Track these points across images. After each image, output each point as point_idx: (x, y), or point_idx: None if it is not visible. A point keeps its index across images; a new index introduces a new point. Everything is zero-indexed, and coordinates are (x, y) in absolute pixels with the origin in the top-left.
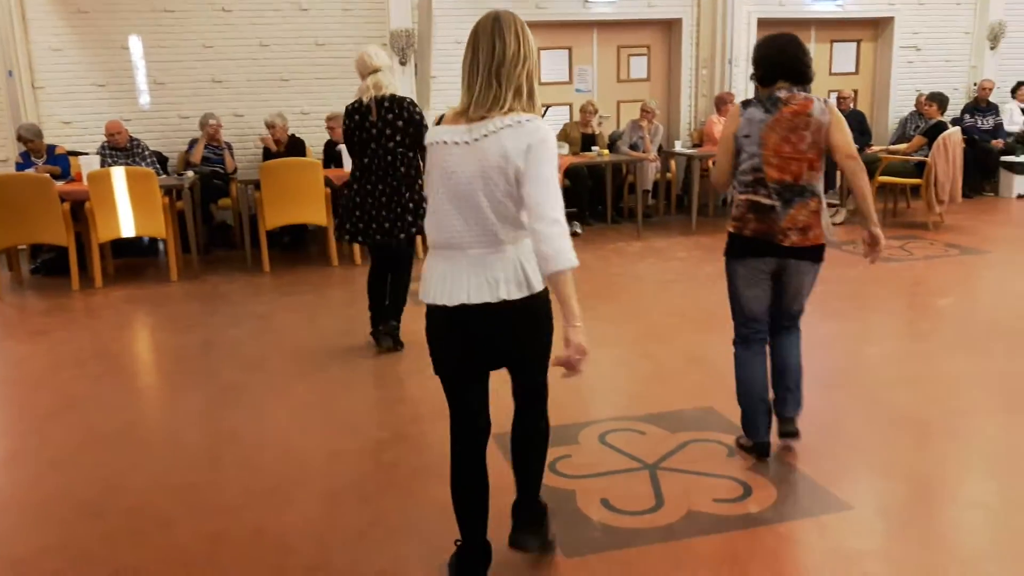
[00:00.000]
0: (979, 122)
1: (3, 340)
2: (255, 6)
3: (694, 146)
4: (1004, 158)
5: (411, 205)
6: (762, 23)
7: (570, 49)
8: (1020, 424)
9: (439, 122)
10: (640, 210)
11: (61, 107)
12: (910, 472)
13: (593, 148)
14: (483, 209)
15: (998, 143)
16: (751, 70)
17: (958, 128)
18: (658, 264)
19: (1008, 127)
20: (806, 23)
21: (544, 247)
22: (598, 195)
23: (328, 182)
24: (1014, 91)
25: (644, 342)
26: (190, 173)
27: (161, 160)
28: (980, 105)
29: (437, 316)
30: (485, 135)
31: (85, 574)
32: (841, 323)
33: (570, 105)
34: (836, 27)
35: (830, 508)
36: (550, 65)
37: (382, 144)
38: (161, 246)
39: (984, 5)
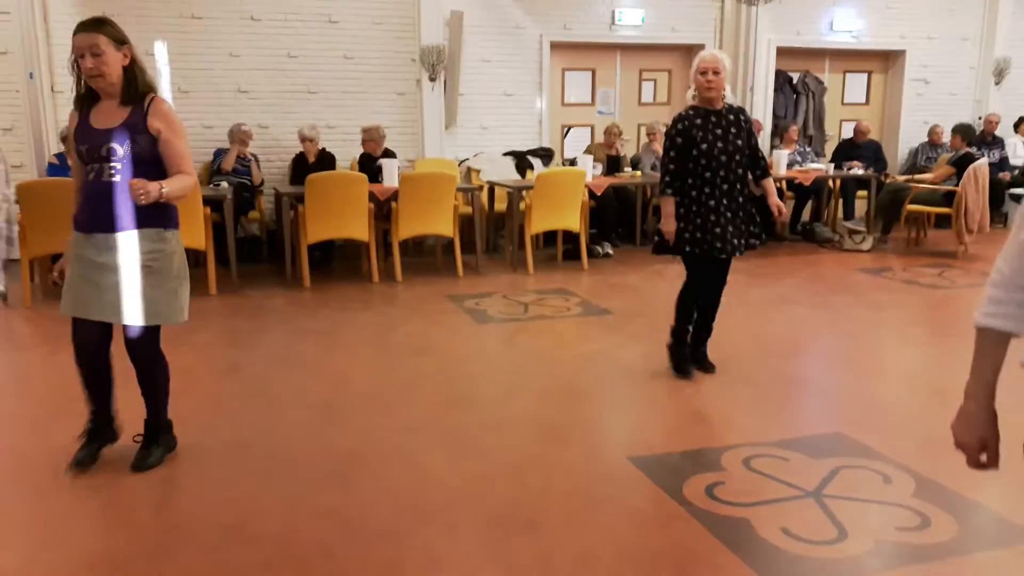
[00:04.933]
0: (986, 155)
1: (22, 351)
2: (283, 16)
3: None
4: (1012, 190)
5: None
6: (781, 51)
7: (594, 71)
8: None
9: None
10: None
11: None
12: None
13: (626, 170)
14: None
15: (1005, 176)
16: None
17: (986, 159)
18: None
19: (1012, 160)
20: (821, 53)
21: None
22: (625, 217)
23: (372, 197)
24: (1016, 126)
25: (734, 366)
26: (224, 184)
27: None
28: (986, 139)
29: None
30: None
31: None
32: (929, 349)
33: (592, 127)
34: (849, 58)
35: (1018, 539)
36: (574, 87)
37: None
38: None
39: (990, 41)
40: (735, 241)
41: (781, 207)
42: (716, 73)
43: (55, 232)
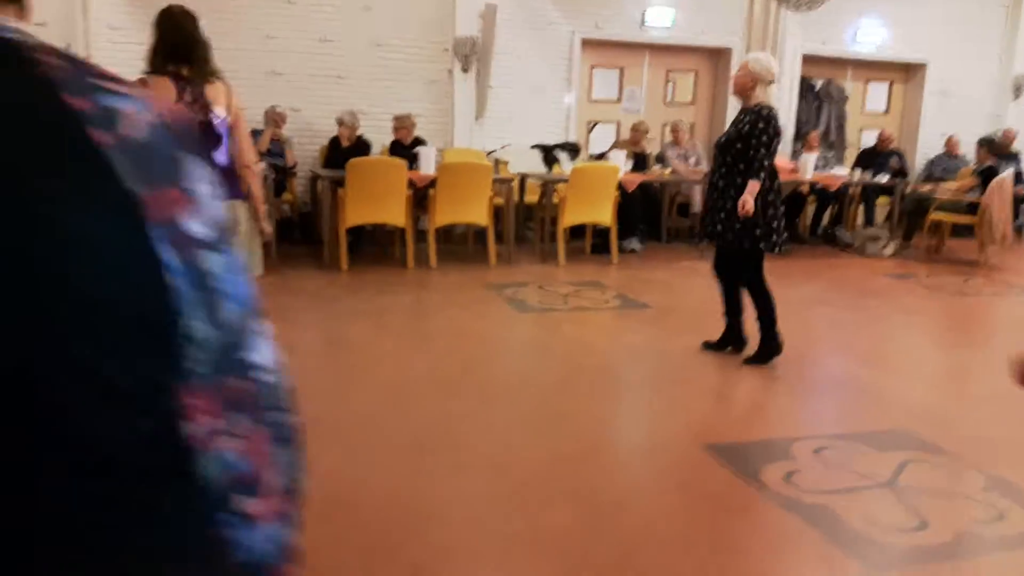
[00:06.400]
0: (1002, 168)
1: None
2: (318, 0)
3: None
4: None
5: None
6: (807, 59)
7: (622, 69)
8: None
9: None
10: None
11: None
12: None
13: (655, 167)
14: None
15: (1020, 190)
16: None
17: (1011, 171)
18: None
19: None
20: (844, 62)
21: None
22: (649, 214)
23: (409, 183)
24: None
25: (783, 362)
26: (262, 164)
27: None
28: (1003, 152)
29: None
30: None
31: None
32: (967, 354)
33: (617, 124)
34: (871, 68)
35: None
36: (602, 84)
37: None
38: None
39: (1009, 57)
40: (708, 229)
41: (743, 206)
42: (740, 71)
43: None
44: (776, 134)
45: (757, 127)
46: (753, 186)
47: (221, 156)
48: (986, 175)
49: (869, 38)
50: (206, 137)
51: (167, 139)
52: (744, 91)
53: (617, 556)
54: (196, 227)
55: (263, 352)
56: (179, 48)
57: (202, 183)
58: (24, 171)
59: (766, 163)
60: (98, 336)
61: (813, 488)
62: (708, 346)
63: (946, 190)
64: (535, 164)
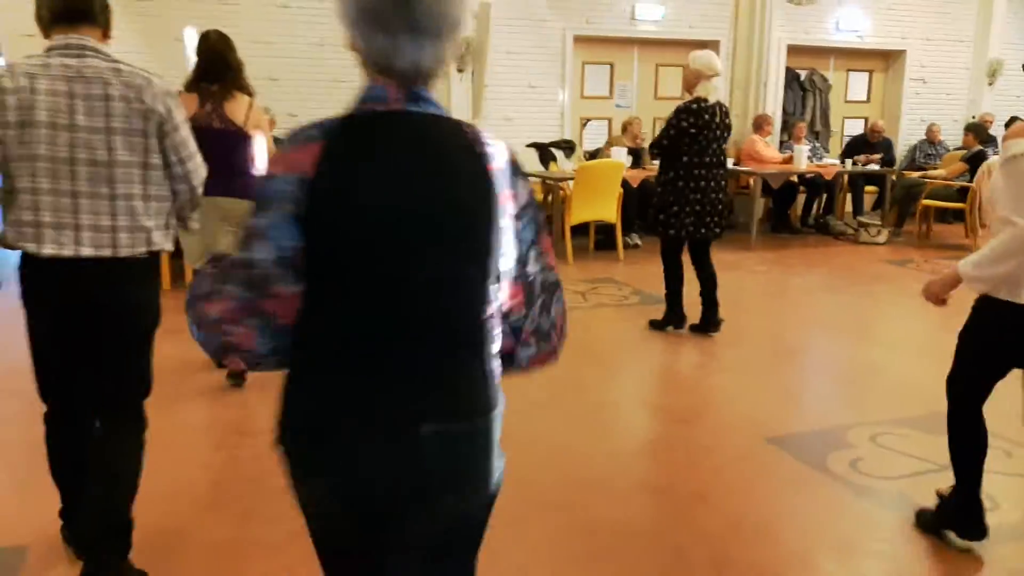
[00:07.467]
0: (990, 153)
1: None
2: (313, 4)
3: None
4: None
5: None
6: (791, 49)
7: (612, 65)
8: None
9: None
10: None
11: None
12: None
13: (654, 162)
14: None
15: None
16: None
17: (997, 156)
18: (744, 278)
19: None
20: (828, 51)
21: None
22: (644, 208)
23: None
24: (1007, 125)
25: (810, 351)
26: None
27: None
28: (989, 137)
29: None
30: None
31: None
32: None
33: (609, 120)
34: (853, 57)
35: None
36: (593, 80)
37: (721, 144)
38: None
39: (984, 43)
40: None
41: None
42: (685, 69)
43: None
44: (694, 127)
45: (669, 120)
46: None
47: (239, 160)
48: (974, 160)
49: (850, 27)
50: (224, 143)
51: (508, 166)
52: (688, 87)
53: (710, 549)
54: (513, 208)
55: (533, 266)
56: (210, 69)
57: (519, 187)
58: (473, 181)
59: (665, 148)
60: (477, 253)
61: (881, 474)
62: (693, 329)
63: (935, 176)
64: (532, 163)
